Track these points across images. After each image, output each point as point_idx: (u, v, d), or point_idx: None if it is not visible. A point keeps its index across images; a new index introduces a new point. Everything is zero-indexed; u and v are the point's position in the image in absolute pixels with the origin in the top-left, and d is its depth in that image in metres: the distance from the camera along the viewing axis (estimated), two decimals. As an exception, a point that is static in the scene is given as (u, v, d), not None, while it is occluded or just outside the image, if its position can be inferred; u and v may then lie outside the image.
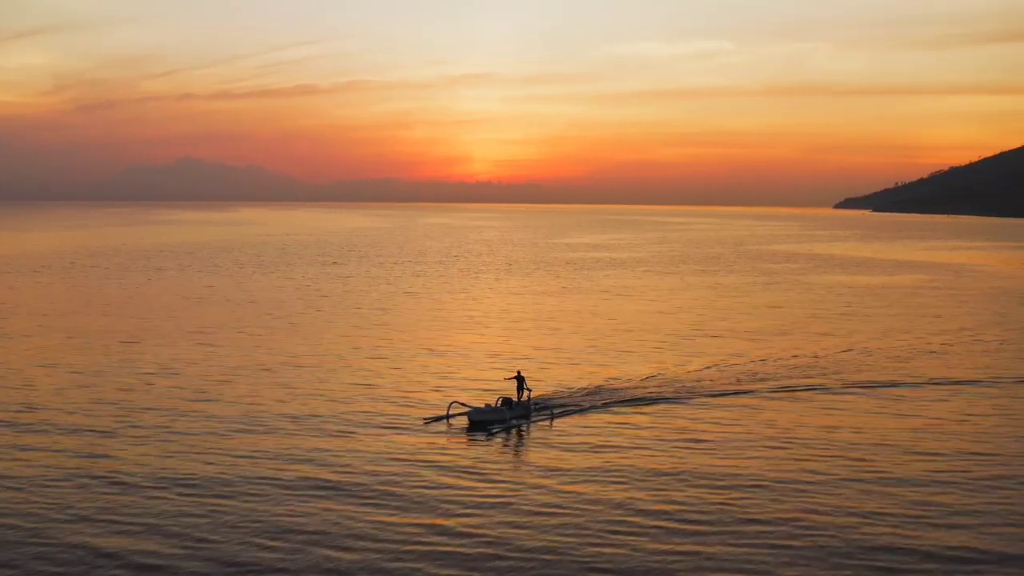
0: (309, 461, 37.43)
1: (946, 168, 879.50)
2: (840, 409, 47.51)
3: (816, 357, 62.37)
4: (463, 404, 45.49)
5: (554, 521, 30.96)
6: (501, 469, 37.05)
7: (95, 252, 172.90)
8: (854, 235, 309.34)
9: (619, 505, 32.55)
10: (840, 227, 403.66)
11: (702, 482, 35.21)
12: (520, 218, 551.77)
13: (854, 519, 31.31)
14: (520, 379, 46.32)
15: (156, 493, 33.44)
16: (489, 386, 51.57)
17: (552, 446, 40.24)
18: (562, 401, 48.13)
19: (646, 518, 31.32)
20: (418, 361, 60.57)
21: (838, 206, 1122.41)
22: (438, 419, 44.14)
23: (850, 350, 65.58)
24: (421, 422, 43.85)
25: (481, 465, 37.36)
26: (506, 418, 43.52)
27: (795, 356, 62.66)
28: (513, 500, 33.08)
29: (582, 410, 46.69)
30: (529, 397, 46.20)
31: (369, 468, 36.59)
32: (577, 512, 31.83)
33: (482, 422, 43.17)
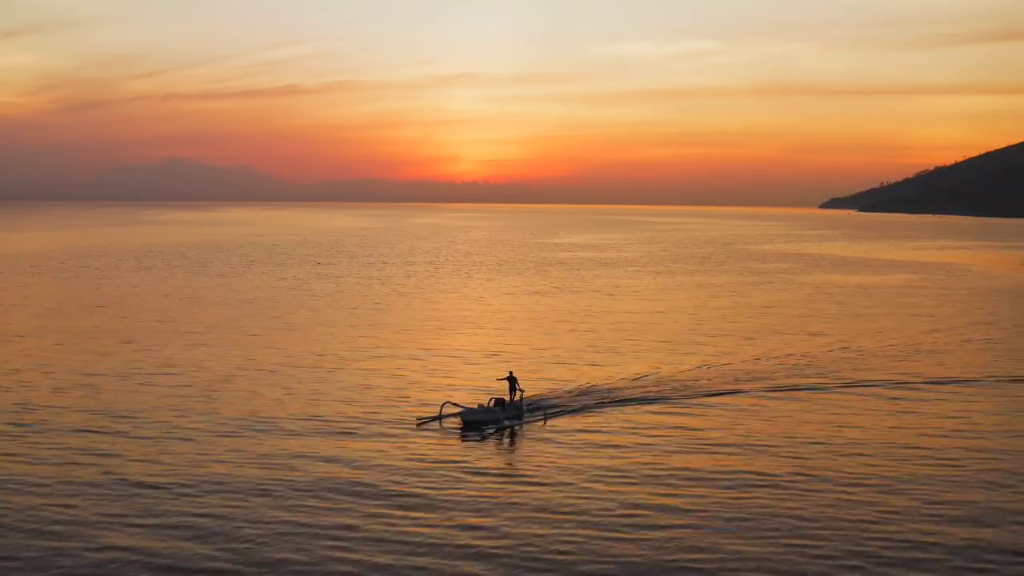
0: (302, 462, 37.08)
1: (931, 168, 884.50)
2: (837, 409, 47.38)
3: (810, 356, 62.34)
4: (456, 404, 45.27)
5: (549, 522, 30.71)
6: (495, 469, 36.80)
7: (85, 252, 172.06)
8: (842, 235, 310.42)
9: (614, 505, 32.31)
10: (827, 227, 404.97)
11: (698, 482, 35.01)
12: (508, 218, 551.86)
13: (854, 519, 31.14)
14: (512, 380, 46.10)
15: (154, 494, 33.10)
16: (483, 386, 51.34)
17: (545, 447, 39.98)
18: (555, 401, 47.91)
19: (641, 518, 31.11)
20: (411, 361, 60.29)
21: (824, 206, 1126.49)
22: (431, 419, 43.92)
23: (845, 349, 65.59)
24: (414, 422, 43.59)
25: (475, 465, 37.07)
26: (500, 418, 43.28)
27: (789, 355, 62.63)
28: (508, 500, 32.81)
29: (575, 410, 46.46)
30: (522, 398, 45.99)
31: (364, 469, 36.26)
32: (573, 512, 31.58)
33: (475, 422, 42.94)
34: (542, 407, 46.27)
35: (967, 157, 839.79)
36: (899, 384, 53.43)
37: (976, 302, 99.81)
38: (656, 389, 51.40)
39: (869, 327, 77.58)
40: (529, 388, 48.69)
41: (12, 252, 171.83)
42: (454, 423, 43.50)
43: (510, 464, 37.91)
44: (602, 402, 48.14)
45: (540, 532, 29.93)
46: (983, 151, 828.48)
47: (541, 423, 44.14)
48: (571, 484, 34.83)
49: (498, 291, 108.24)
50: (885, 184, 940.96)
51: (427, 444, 40.25)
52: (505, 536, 29.58)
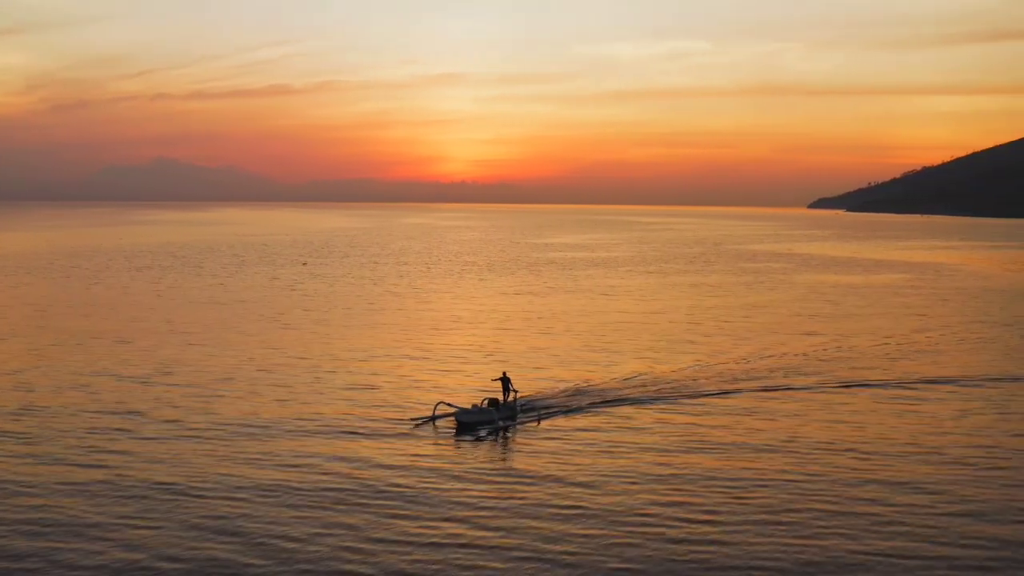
0: (296, 462, 36.86)
1: (919, 168, 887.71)
2: (833, 408, 47.30)
3: (804, 356, 62.38)
4: (450, 404, 45.12)
5: (542, 521, 30.59)
6: (489, 470, 36.56)
7: (76, 253, 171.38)
8: (831, 235, 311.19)
9: (609, 505, 32.19)
10: (816, 227, 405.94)
11: (693, 482, 34.89)
12: (496, 218, 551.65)
13: (853, 519, 31.06)
14: (505, 380, 45.99)
15: (154, 496, 32.90)
16: (477, 386, 51.20)
17: (539, 447, 39.80)
18: (549, 402, 47.77)
19: (636, 518, 31.00)
20: (405, 361, 60.08)
21: (811, 206, 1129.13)
22: (426, 420, 43.76)
23: (839, 349, 65.69)
24: (409, 423, 43.42)
25: (468, 466, 36.88)
26: (494, 419, 43.07)
27: (783, 355, 62.68)
28: (501, 501, 32.64)
29: (569, 411, 46.28)
30: (515, 398, 45.92)
31: (358, 469, 36.05)
32: (566, 512, 31.45)
33: (470, 423, 42.76)
34: (536, 407, 46.17)
35: (954, 157, 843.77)
36: (896, 384, 53.46)
37: (968, 302, 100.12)
38: (650, 389, 51.30)
39: (863, 327, 77.68)
40: (523, 388, 48.59)
41: (5, 252, 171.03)
42: (448, 424, 43.41)
43: (503, 464, 37.67)
44: (596, 402, 48.00)
45: (533, 532, 29.77)
46: (970, 151, 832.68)
47: (535, 423, 44.03)
48: (564, 484, 34.67)
49: (491, 291, 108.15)
50: (873, 184, 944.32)
51: (421, 444, 40.06)
52: (498, 536, 29.40)
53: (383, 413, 45.58)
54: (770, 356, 62.26)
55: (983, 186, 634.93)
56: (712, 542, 29.19)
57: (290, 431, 42.02)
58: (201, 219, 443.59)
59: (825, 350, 65.01)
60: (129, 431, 41.88)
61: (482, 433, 41.96)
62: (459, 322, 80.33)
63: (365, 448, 39.38)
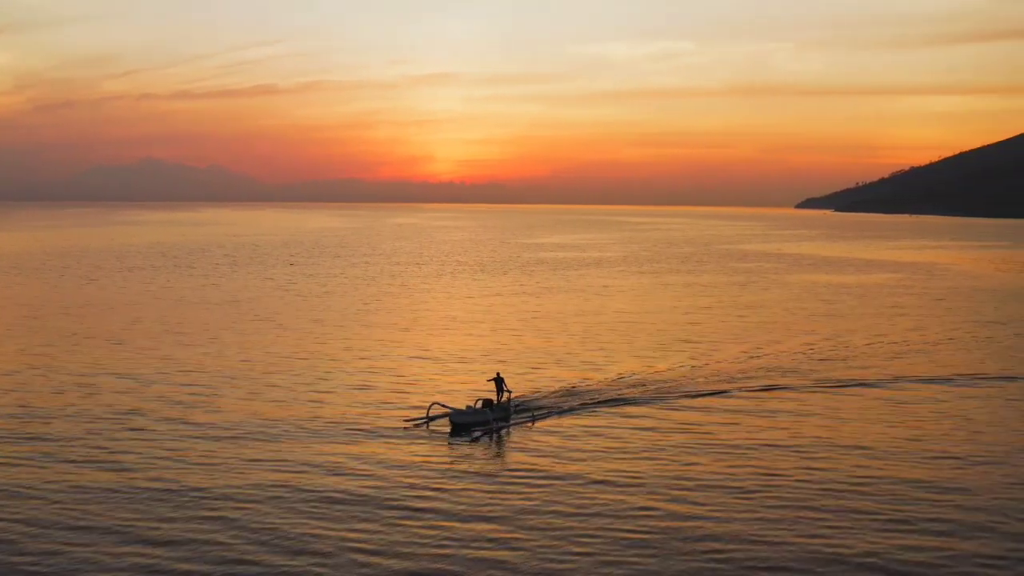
0: (291, 464, 36.55)
1: (907, 168, 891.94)
2: (830, 407, 47.17)
3: (799, 356, 62.34)
4: (444, 405, 44.91)
5: (536, 522, 30.37)
6: (482, 471, 36.28)
7: (64, 253, 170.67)
8: (820, 235, 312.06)
9: (604, 506, 31.99)
10: (804, 227, 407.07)
11: (689, 481, 34.69)
12: (485, 218, 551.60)
13: (853, 518, 30.94)
14: (499, 381, 45.83)
15: (153, 497, 32.61)
16: (471, 386, 51.02)
17: (533, 448, 39.57)
18: (543, 403, 47.55)
19: (631, 518, 30.82)
20: (399, 362, 59.76)
21: (799, 206, 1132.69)
22: (420, 421, 43.51)
23: (835, 348, 65.69)
24: (403, 424, 43.16)
25: (462, 467, 36.64)
26: (488, 420, 42.77)
27: (778, 355, 62.61)
28: (495, 502, 32.40)
29: (563, 411, 46.06)
30: (510, 399, 45.72)
31: (353, 470, 35.80)
32: (561, 513, 31.23)
33: (464, 424, 42.48)
34: (530, 408, 46.01)
35: (942, 157, 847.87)
36: (891, 382, 53.52)
37: (959, 301, 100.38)
38: (644, 389, 51.11)
39: (857, 326, 77.80)
40: (516, 389, 48.46)
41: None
42: (442, 425, 43.20)
43: (498, 465, 37.47)
44: (590, 403, 47.80)
45: (526, 533, 29.56)
46: (958, 151, 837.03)
47: (529, 424, 43.89)
48: (558, 485, 34.45)
49: (483, 291, 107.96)
50: (861, 184, 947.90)
51: (415, 446, 39.80)
52: (491, 538, 29.19)
53: (377, 414, 45.32)
54: (764, 356, 62.23)
55: (972, 186, 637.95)
56: (709, 540, 29.04)
57: (284, 432, 41.73)
58: (189, 219, 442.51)
59: (820, 350, 65.00)
60: (127, 431, 41.52)
61: (476, 434, 41.79)
62: (453, 322, 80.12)
63: (359, 449, 39.10)
